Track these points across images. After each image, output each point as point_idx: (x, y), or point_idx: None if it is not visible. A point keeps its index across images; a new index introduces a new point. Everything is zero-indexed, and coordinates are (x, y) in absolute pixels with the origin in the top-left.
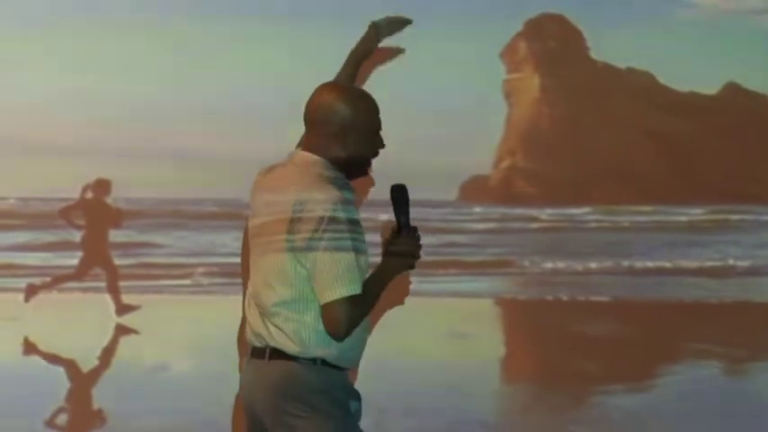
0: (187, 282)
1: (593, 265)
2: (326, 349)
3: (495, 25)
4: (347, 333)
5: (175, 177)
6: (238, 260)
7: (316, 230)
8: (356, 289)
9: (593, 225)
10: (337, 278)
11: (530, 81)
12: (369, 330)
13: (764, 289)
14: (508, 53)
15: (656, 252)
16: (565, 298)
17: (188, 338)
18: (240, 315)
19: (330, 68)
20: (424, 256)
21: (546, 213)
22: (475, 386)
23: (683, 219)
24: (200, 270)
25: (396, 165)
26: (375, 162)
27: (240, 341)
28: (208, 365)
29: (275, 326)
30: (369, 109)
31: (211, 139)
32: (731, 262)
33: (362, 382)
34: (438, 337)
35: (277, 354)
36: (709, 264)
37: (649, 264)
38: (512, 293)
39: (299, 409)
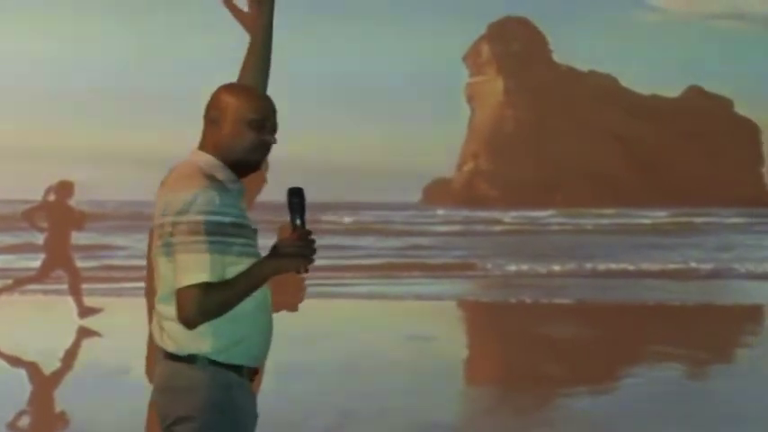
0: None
1: (557, 267)
2: (199, 344)
3: (458, 27)
4: (195, 320)
5: (136, 179)
6: None
7: (175, 224)
8: (205, 277)
9: (556, 228)
10: (187, 267)
11: (493, 84)
12: (263, 326)
13: (726, 292)
14: (471, 56)
15: (619, 255)
16: (528, 300)
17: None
18: None
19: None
20: (389, 259)
21: (509, 216)
22: (439, 388)
23: (647, 221)
24: None
25: (359, 167)
26: (332, 165)
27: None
28: None
29: (159, 325)
30: (240, 101)
31: (171, 139)
32: (693, 265)
33: (326, 383)
34: (402, 339)
35: (163, 353)
36: (671, 266)
37: (612, 266)
38: (475, 296)
39: (174, 411)
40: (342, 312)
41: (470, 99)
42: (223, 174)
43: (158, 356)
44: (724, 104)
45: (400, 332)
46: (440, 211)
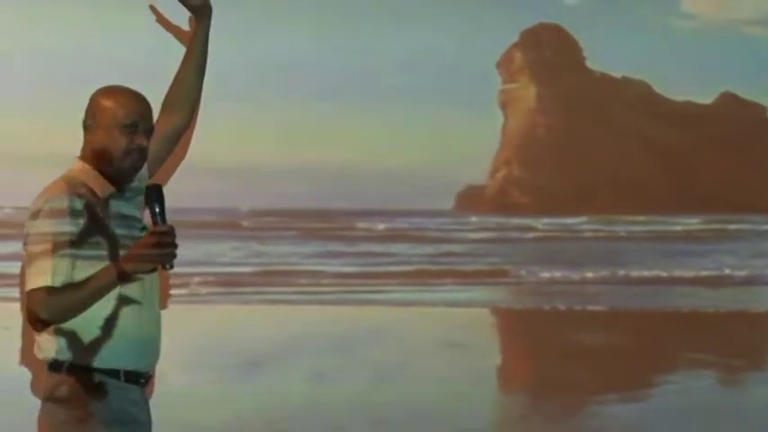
0: (184, 291)
1: (590, 274)
2: (54, 347)
3: (490, 34)
4: (39, 323)
5: (173, 186)
6: (236, 270)
7: (27, 234)
8: (46, 280)
9: (590, 234)
10: (32, 272)
11: (525, 91)
12: (126, 329)
13: (760, 299)
14: (504, 63)
15: (653, 261)
16: (561, 307)
17: (184, 348)
18: (236, 325)
19: None
20: (422, 265)
21: (542, 223)
22: (471, 396)
23: (679, 228)
24: (197, 280)
25: (392, 174)
26: (367, 172)
27: None
28: (204, 375)
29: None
30: (112, 105)
31: (211, 146)
32: (727, 271)
33: (358, 391)
34: (434, 346)
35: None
36: (705, 273)
37: (645, 273)
38: (508, 303)
39: (42, 421)
40: (374, 319)
41: (503, 106)
42: (96, 182)
43: None
44: (758, 110)
45: (433, 339)
46: (473, 218)
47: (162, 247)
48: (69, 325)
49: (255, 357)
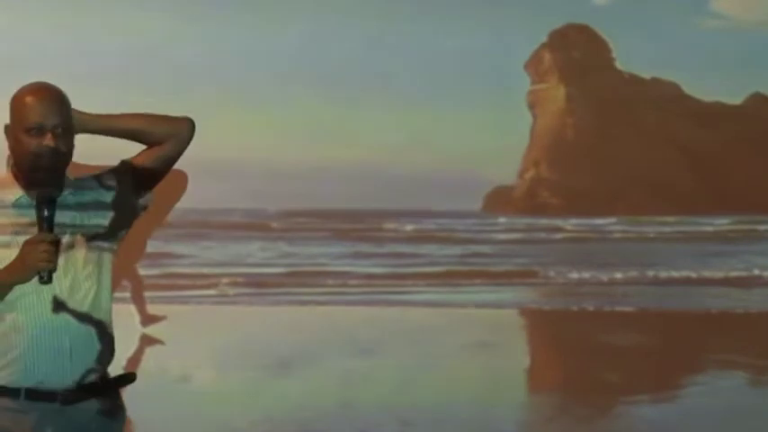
0: (213, 292)
1: (619, 275)
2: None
3: (519, 35)
4: None
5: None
6: (264, 270)
7: None
8: None
9: (619, 235)
10: None
11: (554, 91)
12: (17, 346)
13: None
14: (533, 64)
15: (682, 262)
16: (590, 308)
17: (213, 349)
18: (264, 326)
19: None
20: (450, 266)
21: (570, 223)
22: (500, 397)
23: (709, 229)
24: (226, 280)
25: (419, 175)
26: (395, 174)
27: None
28: (233, 376)
29: None
30: (12, 105)
31: (240, 148)
32: (757, 272)
33: (386, 391)
34: (463, 347)
35: None
36: (734, 274)
37: (675, 274)
38: (537, 304)
39: None
40: (403, 320)
41: (532, 107)
42: (4, 187)
43: None
44: None
45: (461, 340)
46: (501, 219)
47: (34, 254)
48: None
49: (284, 358)
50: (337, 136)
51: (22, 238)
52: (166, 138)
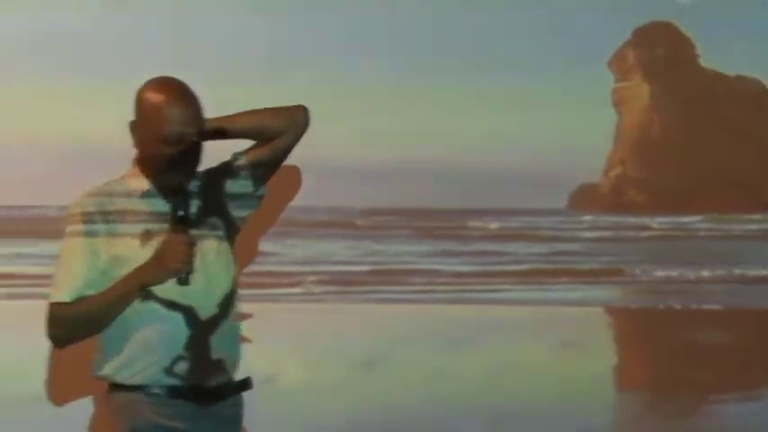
0: (298, 290)
1: (705, 273)
2: (101, 365)
3: (603, 34)
4: (56, 342)
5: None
6: (350, 268)
7: None
8: (61, 296)
9: (705, 233)
10: (53, 284)
11: (639, 89)
12: (152, 342)
13: None
14: (616, 61)
15: None
16: (677, 306)
17: (299, 347)
18: (350, 324)
19: None
20: (536, 264)
21: (657, 221)
22: (587, 395)
23: None
24: (312, 278)
25: (505, 173)
26: (481, 172)
27: None
28: (319, 374)
29: None
30: (148, 109)
31: (325, 146)
32: None
33: (473, 389)
34: (549, 345)
35: None
36: None
37: (762, 272)
38: (623, 302)
39: None
40: (489, 318)
41: (617, 104)
42: (135, 180)
43: None
44: None
45: (547, 338)
46: (587, 217)
47: (172, 255)
48: (107, 341)
49: (371, 356)
50: (423, 134)
51: (155, 235)
52: (285, 131)
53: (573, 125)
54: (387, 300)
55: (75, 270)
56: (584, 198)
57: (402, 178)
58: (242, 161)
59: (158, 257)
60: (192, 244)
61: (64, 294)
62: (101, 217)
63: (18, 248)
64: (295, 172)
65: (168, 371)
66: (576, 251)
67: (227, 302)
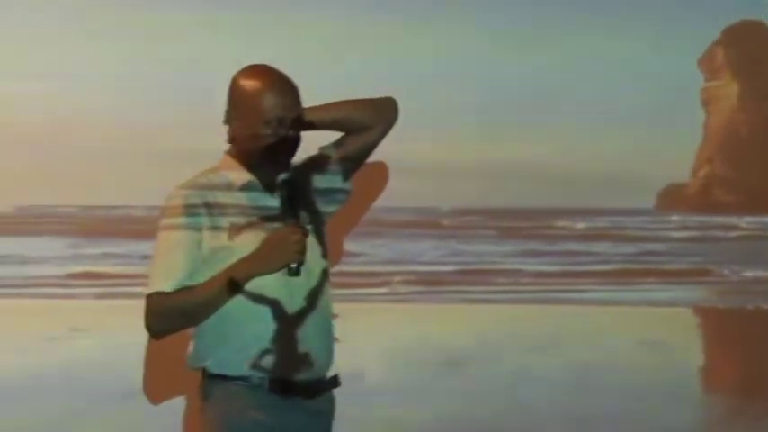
0: (385, 290)
1: None
2: (201, 355)
3: (692, 34)
4: (154, 332)
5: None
6: (437, 268)
7: None
8: (156, 286)
9: None
10: (150, 274)
11: (728, 88)
12: (261, 333)
13: None
14: (706, 61)
15: None
16: (765, 306)
17: (385, 347)
18: (436, 324)
19: None
20: (623, 264)
21: (745, 221)
22: (674, 395)
23: None
24: (398, 278)
25: (593, 173)
26: (566, 171)
27: None
28: (405, 373)
29: None
30: (246, 94)
31: (411, 146)
32: None
33: (559, 390)
34: (636, 345)
35: None
36: None
37: None
38: (710, 302)
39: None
40: (575, 318)
41: (705, 104)
42: (235, 173)
43: None
44: None
45: (634, 338)
46: (674, 217)
47: (285, 246)
48: (206, 331)
49: (456, 356)
50: (508, 135)
51: (243, 229)
52: (374, 123)
53: (660, 124)
54: (472, 299)
55: (176, 261)
56: (672, 198)
57: (488, 178)
58: (331, 155)
59: (270, 248)
60: (304, 234)
61: (164, 284)
62: (205, 209)
63: (106, 248)
64: (382, 169)
65: (255, 364)
66: (664, 251)
67: (315, 296)
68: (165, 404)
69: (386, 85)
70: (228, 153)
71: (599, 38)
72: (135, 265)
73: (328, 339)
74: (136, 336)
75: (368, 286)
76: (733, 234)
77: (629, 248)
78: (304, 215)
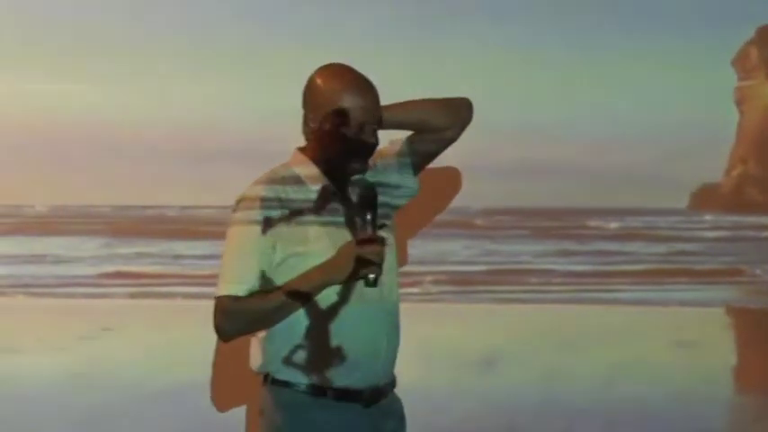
0: (416, 290)
1: None
2: (264, 360)
3: (726, 32)
4: (224, 335)
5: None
6: (467, 268)
7: None
8: (228, 289)
9: None
10: (221, 275)
11: (761, 88)
12: (326, 339)
13: None
14: (740, 60)
15: None
16: None
17: (416, 347)
18: (467, 324)
19: None
20: (655, 264)
21: None
22: (706, 396)
23: None
24: (429, 278)
25: (626, 172)
26: (599, 171)
27: None
28: (436, 373)
29: None
30: (325, 97)
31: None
32: None
33: (591, 389)
34: (668, 345)
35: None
36: None
37: None
38: (743, 302)
39: None
40: (607, 318)
41: (739, 103)
42: (307, 172)
43: None
44: None
45: (667, 338)
46: (707, 217)
47: (362, 256)
48: (274, 336)
49: (488, 356)
50: (541, 134)
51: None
52: (451, 124)
53: (694, 123)
54: (503, 299)
55: (249, 264)
56: (705, 197)
57: (520, 178)
58: (404, 151)
59: (346, 258)
60: (383, 244)
61: (236, 288)
62: (278, 203)
63: (139, 248)
64: (455, 173)
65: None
66: (696, 251)
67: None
68: (193, 405)
69: (412, 81)
70: (301, 150)
71: (629, 34)
72: (168, 265)
73: (371, 332)
74: (167, 335)
75: (400, 286)
76: (766, 234)
77: (662, 248)
78: (379, 215)
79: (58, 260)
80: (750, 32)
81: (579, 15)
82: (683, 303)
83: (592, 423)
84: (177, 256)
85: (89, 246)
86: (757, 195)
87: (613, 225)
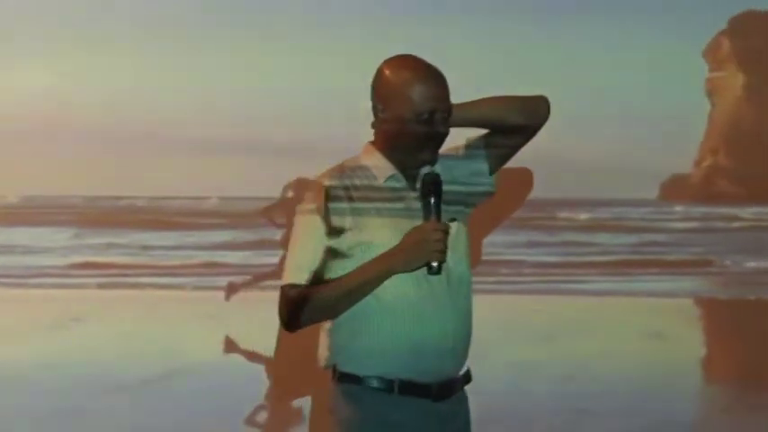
0: None
1: None
2: (332, 353)
3: (697, 23)
4: (288, 325)
5: None
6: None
7: None
8: (296, 278)
9: None
10: (286, 265)
11: (732, 79)
12: (390, 333)
13: None
14: (711, 51)
15: None
16: (767, 297)
17: None
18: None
19: None
20: (624, 255)
21: (748, 212)
22: (675, 386)
23: None
24: None
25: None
26: (569, 162)
27: None
28: None
29: None
30: (396, 88)
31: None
32: None
33: (560, 381)
34: (637, 336)
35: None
36: None
37: None
38: (712, 293)
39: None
40: (576, 309)
41: (710, 94)
42: (377, 164)
43: None
44: None
45: (635, 330)
46: (677, 208)
47: (426, 244)
48: (341, 328)
49: None
50: None
51: (397, 220)
52: (525, 125)
53: (663, 114)
54: (473, 290)
55: (312, 252)
56: (675, 188)
57: None
58: (480, 147)
59: (411, 246)
60: (446, 232)
61: (300, 277)
62: (344, 192)
63: (108, 239)
64: (527, 174)
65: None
66: (666, 242)
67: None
68: (162, 395)
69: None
70: (372, 143)
71: (598, 22)
72: (137, 256)
73: (437, 321)
74: (136, 325)
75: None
76: (735, 225)
77: (632, 239)
78: (448, 210)
79: (27, 251)
80: (722, 23)
81: (548, 3)
82: (652, 294)
83: (560, 414)
84: (146, 247)
85: (59, 236)
86: (727, 187)
87: (583, 216)
